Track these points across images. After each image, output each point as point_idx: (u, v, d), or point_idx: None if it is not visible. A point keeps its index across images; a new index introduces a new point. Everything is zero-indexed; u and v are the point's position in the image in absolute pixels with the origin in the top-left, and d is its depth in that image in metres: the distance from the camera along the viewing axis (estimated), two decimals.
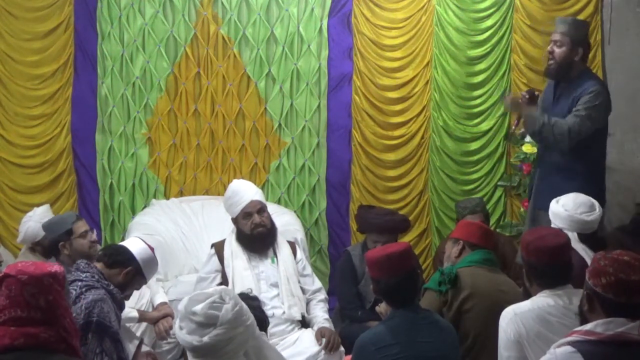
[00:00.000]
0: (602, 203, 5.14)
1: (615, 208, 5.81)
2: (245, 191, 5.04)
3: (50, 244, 4.75)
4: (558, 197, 4.35)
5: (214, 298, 2.88)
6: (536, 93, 5.15)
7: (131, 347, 4.05)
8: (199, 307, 2.85)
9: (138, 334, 4.71)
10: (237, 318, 2.86)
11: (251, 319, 2.94)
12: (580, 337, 2.72)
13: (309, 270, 5.16)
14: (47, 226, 4.81)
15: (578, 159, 4.98)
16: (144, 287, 4.94)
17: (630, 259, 2.73)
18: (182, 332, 2.87)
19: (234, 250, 4.99)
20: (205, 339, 2.81)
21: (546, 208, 4.61)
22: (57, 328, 2.68)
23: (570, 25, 5.02)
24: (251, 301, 3.32)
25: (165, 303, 4.94)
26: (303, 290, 5.01)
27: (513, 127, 5.40)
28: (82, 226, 4.69)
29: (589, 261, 3.92)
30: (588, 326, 2.73)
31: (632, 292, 2.68)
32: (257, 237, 4.98)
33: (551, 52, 5.03)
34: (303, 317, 4.91)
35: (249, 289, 3.60)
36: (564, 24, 5.03)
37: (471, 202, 5.70)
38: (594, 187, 5.00)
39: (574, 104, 4.92)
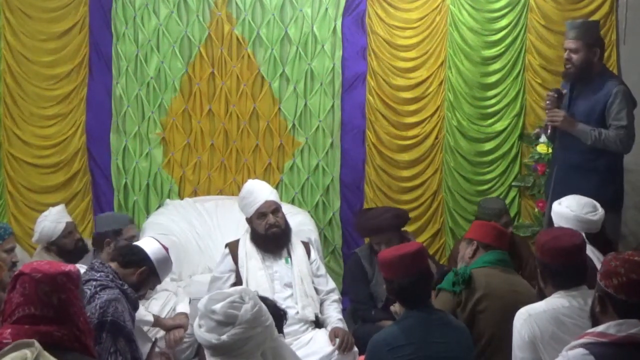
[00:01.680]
0: (620, 203, 5.17)
1: (631, 210, 5.78)
2: (260, 191, 5.04)
3: (97, 237, 5.01)
4: (559, 199, 4.37)
5: (233, 297, 2.89)
6: (563, 92, 5.15)
7: (144, 349, 4.06)
8: (218, 306, 2.86)
9: (159, 335, 4.73)
10: (256, 318, 2.88)
11: (270, 320, 2.96)
12: (592, 339, 2.70)
13: (322, 270, 5.16)
14: (101, 218, 5.12)
15: (596, 158, 5.00)
16: (169, 294, 5.00)
17: None
18: (200, 330, 2.89)
19: (248, 251, 4.99)
20: (224, 337, 2.83)
21: None
22: (70, 327, 2.70)
23: (581, 29, 5.01)
24: (263, 301, 3.33)
25: (183, 313, 4.95)
26: (317, 291, 5.01)
27: (541, 130, 5.37)
28: (131, 230, 4.81)
29: (596, 262, 3.93)
30: (600, 328, 2.72)
31: None
32: (271, 237, 4.98)
33: (569, 59, 5.02)
34: (317, 317, 4.91)
35: (256, 290, 3.62)
36: (575, 29, 5.03)
37: (497, 203, 5.63)
38: (612, 186, 5.02)
39: (599, 104, 4.94)
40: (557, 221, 4.28)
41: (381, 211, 5.49)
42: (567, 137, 5.10)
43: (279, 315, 3.40)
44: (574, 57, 5.01)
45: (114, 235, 4.91)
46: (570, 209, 4.25)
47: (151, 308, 4.87)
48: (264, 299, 3.20)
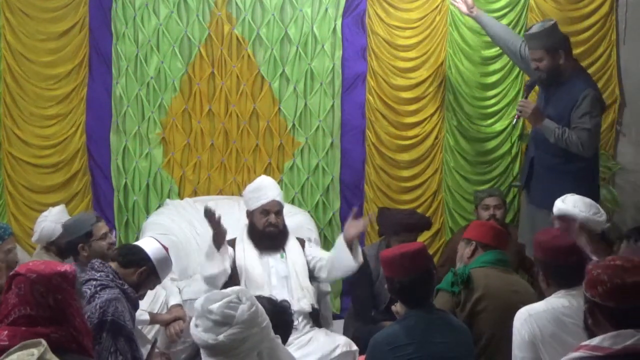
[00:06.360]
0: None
1: (631, 209, 5.79)
2: (270, 189, 5.13)
3: (69, 245, 4.76)
4: (563, 197, 4.34)
5: (230, 298, 2.90)
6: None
7: (143, 351, 4.06)
8: (215, 306, 2.87)
9: (152, 334, 4.72)
10: (253, 319, 2.88)
11: (266, 320, 2.96)
12: (587, 353, 2.61)
13: (322, 252, 5.28)
14: (67, 226, 4.83)
15: (569, 159, 5.01)
16: (159, 288, 4.98)
17: (623, 263, 2.62)
18: (197, 330, 2.89)
19: (245, 246, 5.08)
20: (221, 337, 2.83)
21: (542, 206, 4.68)
22: (67, 327, 2.70)
23: (539, 38, 5.03)
24: (276, 306, 3.36)
25: (178, 305, 4.95)
26: (320, 260, 5.08)
27: (515, 120, 5.36)
28: (102, 228, 4.71)
29: None
30: (595, 341, 2.61)
31: (631, 296, 2.56)
32: (267, 235, 5.06)
33: (537, 69, 5.07)
34: (314, 309, 4.95)
35: (285, 300, 3.60)
36: (533, 39, 5.06)
37: (490, 192, 5.87)
38: (586, 186, 4.98)
39: (567, 109, 4.96)
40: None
41: (408, 210, 5.75)
42: (540, 137, 5.12)
43: (288, 323, 3.41)
44: (540, 65, 5.06)
45: (86, 238, 4.71)
46: (579, 210, 4.22)
47: (141, 305, 4.84)
48: (277, 304, 3.23)
